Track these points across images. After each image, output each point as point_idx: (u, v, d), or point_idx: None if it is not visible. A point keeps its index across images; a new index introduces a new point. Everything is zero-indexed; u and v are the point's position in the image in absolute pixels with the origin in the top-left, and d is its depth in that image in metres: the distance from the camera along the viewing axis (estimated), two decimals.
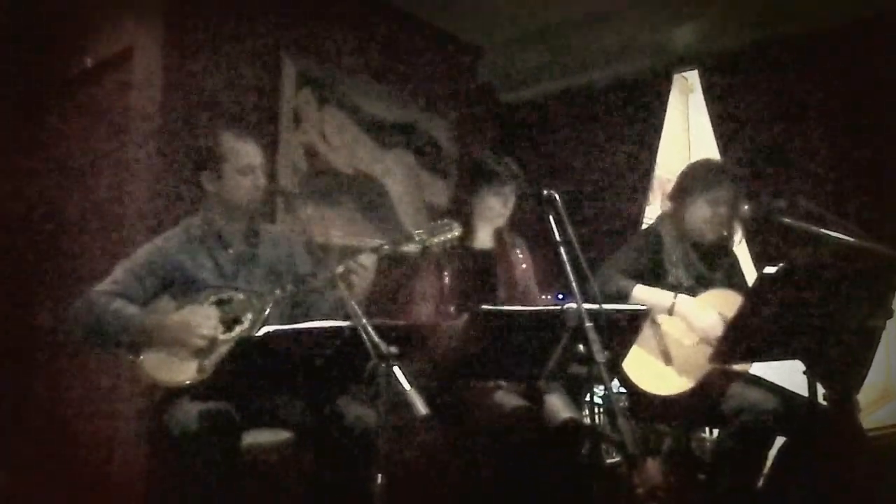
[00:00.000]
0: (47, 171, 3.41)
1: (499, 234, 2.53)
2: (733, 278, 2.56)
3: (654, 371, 2.34)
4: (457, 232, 2.22)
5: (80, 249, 3.19)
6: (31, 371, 3.29)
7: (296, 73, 3.27)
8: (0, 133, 3.38)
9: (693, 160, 2.90)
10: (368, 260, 2.09)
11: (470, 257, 2.45)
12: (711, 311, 2.30)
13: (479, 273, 2.45)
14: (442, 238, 2.20)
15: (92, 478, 2.88)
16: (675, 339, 2.36)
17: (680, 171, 2.62)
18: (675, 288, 2.40)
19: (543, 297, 2.59)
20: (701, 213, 2.46)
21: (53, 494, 2.93)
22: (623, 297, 2.35)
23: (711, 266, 2.53)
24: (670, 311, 2.34)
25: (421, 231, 2.20)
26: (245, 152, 2.19)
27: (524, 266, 2.53)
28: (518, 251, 2.55)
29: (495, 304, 2.27)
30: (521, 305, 2.34)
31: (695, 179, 2.50)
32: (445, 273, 2.37)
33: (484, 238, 2.51)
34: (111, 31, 3.16)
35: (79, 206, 3.26)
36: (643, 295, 2.36)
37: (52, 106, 3.44)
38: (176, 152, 2.85)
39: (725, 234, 2.53)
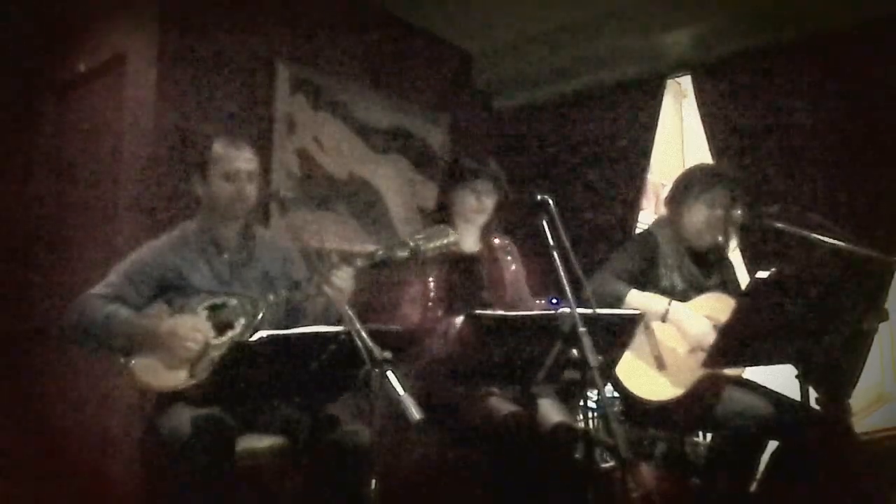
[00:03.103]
0: (40, 176, 3.41)
1: (485, 237, 2.53)
2: (728, 283, 2.57)
3: (647, 377, 2.34)
4: (453, 237, 2.22)
5: (74, 254, 3.19)
6: (24, 376, 3.27)
7: (289, 78, 3.27)
8: None
9: (687, 165, 2.92)
10: (346, 273, 2.08)
11: (455, 261, 2.43)
12: (704, 319, 2.31)
13: (466, 277, 2.44)
14: (437, 243, 2.20)
15: (85, 484, 2.87)
16: (669, 345, 2.36)
17: (676, 177, 2.63)
18: (669, 292, 2.41)
19: (538, 301, 2.59)
20: (698, 215, 2.47)
21: (47, 500, 2.92)
22: (617, 301, 2.36)
23: (707, 271, 2.53)
24: (663, 318, 2.35)
25: (417, 236, 2.20)
26: (231, 157, 2.18)
27: (513, 268, 2.53)
28: (507, 254, 2.54)
29: (482, 308, 2.27)
30: (513, 309, 2.34)
31: (691, 183, 2.51)
32: (431, 278, 2.37)
33: (470, 241, 2.50)
34: (104, 36, 3.16)
35: (72, 211, 3.26)
36: (637, 300, 2.36)
37: (45, 111, 3.43)
38: (169, 157, 2.85)
39: (721, 238, 2.54)
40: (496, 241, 2.54)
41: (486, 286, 2.45)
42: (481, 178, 2.41)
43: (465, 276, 2.44)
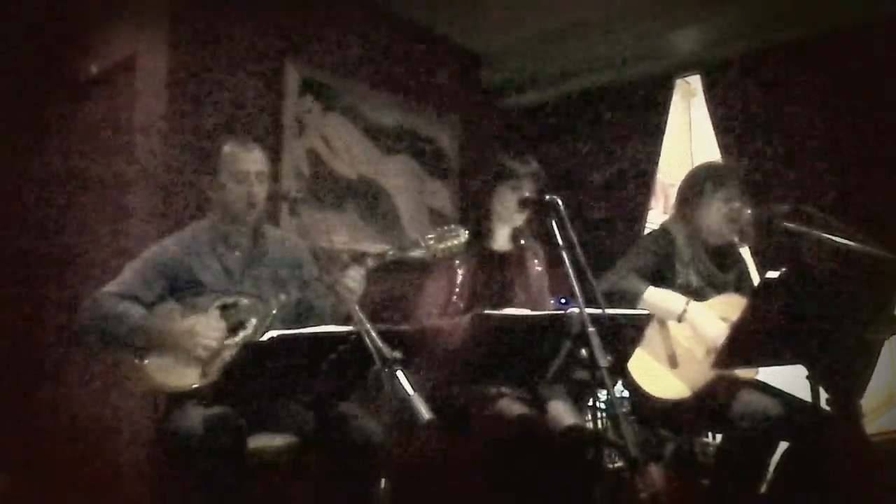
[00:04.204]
0: (53, 177, 3.43)
1: (516, 237, 2.52)
2: (743, 281, 2.56)
3: (659, 375, 2.34)
4: (463, 238, 2.23)
5: (86, 253, 3.21)
6: (36, 374, 3.30)
7: (299, 79, 3.29)
8: (7, 139, 3.40)
9: (695, 165, 2.91)
10: (356, 273, 2.10)
11: (486, 259, 2.44)
12: (720, 321, 2.29)
13: (494, 276, 2.44)
14: (448, 244, 2.20)
15: (98, 483, 2.89)
16: (683, 344, 2.36)
17: (684, 178, 2.62)
18: (685, 289, 2.40)
19: (552, 301, 2.59)
20: (716, 213, 2.45)
21: (58, 498, 2.94)
22: (635, 298, 2.34)
23: (722, 268, 2.52)
24: (680, 318, 2.33)
25: (428, 237, 2.21)
26: (240, 159, 2.20)
27: (539, 270, 2.52)
28: (535, 256, 2.54)
29: (508, 308, 2.27)
30: (534, 309, 2.33)
31: (702, 181, 2.50)
32: (460, 274, 2.37)
33: (501, 240, 2.50)
34: (115, 38, 3.19)
35: (84, 211, 3.28)
36: (655, 298, 2.35)
37: (57, 112, 3.46)
38: (179, 158, 2.86)
39: (736, 235, 2.53)
40: (526, 243, 2.53)
41: (513, 286, 2.45)
42: (527, 178, 2.39)
43: (493, 275, 2.43)
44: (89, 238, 3.22)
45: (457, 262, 2.37)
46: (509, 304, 2.39)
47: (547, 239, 2.23)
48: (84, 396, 3.07)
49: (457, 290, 2.36)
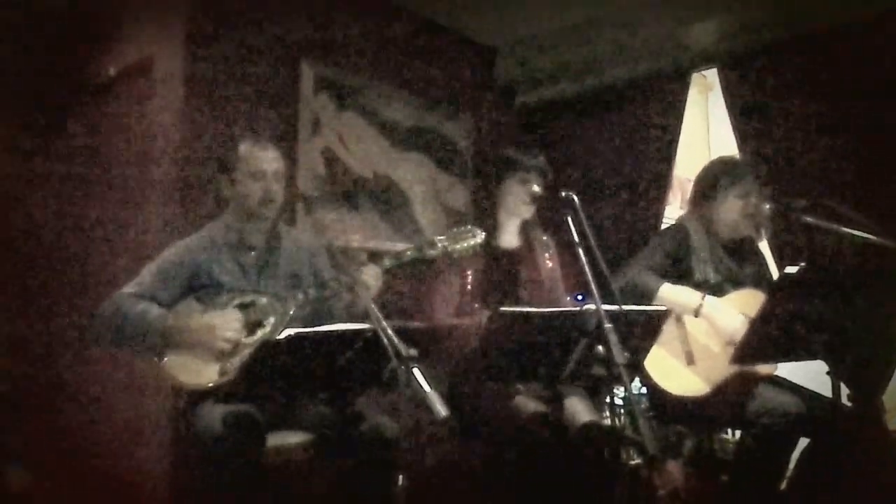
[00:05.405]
0: (71, 178, 3.47)
1: (525, 232, 2.51)
2: (761, 276, 2.54)
3: (676, 371, 2.32)
4: (479, 238, 2.23)
5: (104, 253, 3.25)
6: (56, 374, 3.34)
7: (314, 78, 3.30)
8: (24, 141, 3.44)
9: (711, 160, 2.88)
10: (372, 271, 2.11)
11: (494, 257, 2.43)
12: (738, 314, 2.28)
13: (503, 273, 2.43)
14: (464, 244, 2.21)
15: (117, 480, 2.92)
16: (700, 340, 2.34)
17: (698, 173, 2.60)
18: (702, 285, 2.38)
19: (569, 298, 2.58)
20: (732, 208, 2.44)
21: (78, 496, 2.98)
22: (650, 294, 2.33)
23: (740, 263, 2.50)
24: (696, 313, 2.32)
25: (443, 237, 2.21)
26: (257, 157, 2.22)
27: (550, 265, 2.50)
28: (545, 251, 2.52)
29: (519, 305, 2.26)
30: (546, 306, 2.33)
31: (717, 177, 2.48)
32: (469, 274, 2.37)
33: (510, 236, 2.49)
34: (132, 40, 3.21)
35: (102, 212, 3.32)
36: (670, 294, 2.34)
37: (75, 114, 3.50)
38: (196, 158, 2.89)
39: (754, 231, 2.51)
40: (535, 237, 2.53)
41: (524, 283, 2.44)
42: (533, 171, 2.40)
43: (502, 273, 2.43)
44: (107, 239, 3.25)
45: (465, 263, 2.37)
46: (523, 300, 2.38)
47: (556, 230, 2.23)
48: (104, 395, 3.11)
49: (468, 287, 2.35)
